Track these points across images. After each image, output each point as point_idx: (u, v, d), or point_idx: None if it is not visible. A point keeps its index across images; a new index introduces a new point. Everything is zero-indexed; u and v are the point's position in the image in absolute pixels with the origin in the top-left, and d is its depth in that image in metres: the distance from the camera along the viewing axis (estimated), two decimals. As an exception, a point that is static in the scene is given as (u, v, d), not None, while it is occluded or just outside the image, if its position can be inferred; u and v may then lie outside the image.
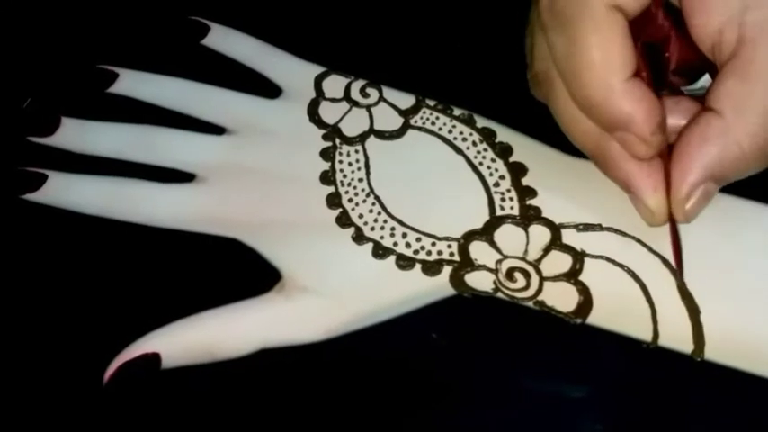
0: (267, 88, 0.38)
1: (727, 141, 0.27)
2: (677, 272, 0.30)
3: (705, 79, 0.31)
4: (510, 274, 0.31)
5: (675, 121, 0.29)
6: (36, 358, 0.30)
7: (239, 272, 0.32)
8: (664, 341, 0.29)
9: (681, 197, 0.28)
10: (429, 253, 0.32)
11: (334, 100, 0.37)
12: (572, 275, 0.30)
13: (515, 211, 0.33)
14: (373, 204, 0.33)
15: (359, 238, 0.32)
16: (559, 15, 0.27)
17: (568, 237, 0.32)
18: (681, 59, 0.30)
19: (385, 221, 0.33)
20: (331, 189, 0.34)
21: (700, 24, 0.28)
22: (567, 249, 0.31)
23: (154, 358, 0.29)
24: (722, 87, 0.27)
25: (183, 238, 0.33)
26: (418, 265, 0.31)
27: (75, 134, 0.36)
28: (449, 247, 0.32)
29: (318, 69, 0.38)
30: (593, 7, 0.26)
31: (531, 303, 0.30)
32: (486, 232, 0.32)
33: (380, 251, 0.32)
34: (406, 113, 0.36)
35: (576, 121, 0.29)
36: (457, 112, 0.36)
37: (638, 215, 0.31)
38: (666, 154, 0.28)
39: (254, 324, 0.30)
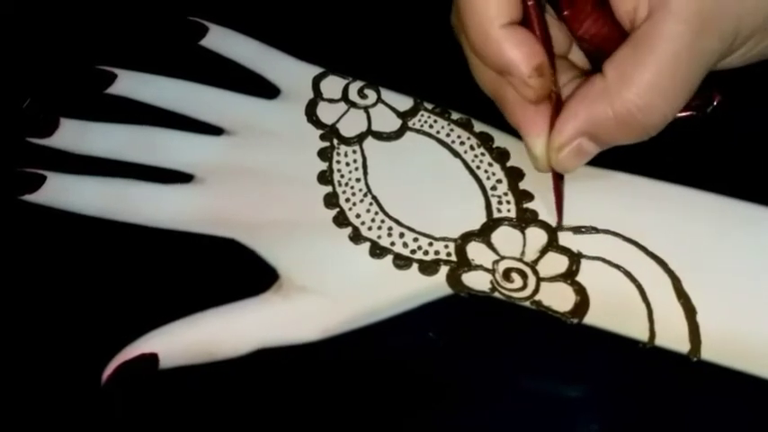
0: (265, 89, 0.38)
1: (603, 103, 0.28)
2: (557, 222, 0.32)
3: None
4: (507, 274, 0.31)
5: None
6: (35, 358, 0.30)
7: (237, 272, 0.32)
8: (660, 341, 0.29)
9: (554, 146, 0.30)
10: (426, 253, 0.32)
11: (332, 101, 0.37)
12: (569, 276, 0.31)
13: (512, 214, 0.33)
14: (371, 204, 0.33)
15: (356, 237, 0.32)
16: None
17: (565, 239, 0.32)
18: (594, 32, 0.31)
19: (382, 221, 0.33)
20: (328, 189, 0.34)
21: (618, 1, 0.29)
22: (564, 251, 0.31)
23: (152, 358, 0.29)
24: (616, 54, 0.29)
25: (181, 239, 0.33)
26: (415, 265, 0.31)
27: (74, 135, 0.36)
28: (446, 247, 0.32)
29: (316, 70, 0.38)
30: None
31: (527, 303, 0.30)
32: (483, 233, 0.32)
33: (378, 251, 0.32)
34: (404, 115, 0.36)
35: (479, 67, 0.32)
36: (455, 115, 0.36)
37: (634, 217, 0.31)
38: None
39: (252, 324, 0.30)
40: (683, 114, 0.32)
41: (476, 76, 0.33)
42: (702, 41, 0.28)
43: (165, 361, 0.29)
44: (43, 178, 0.34)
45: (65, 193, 0.34)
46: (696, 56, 0.28)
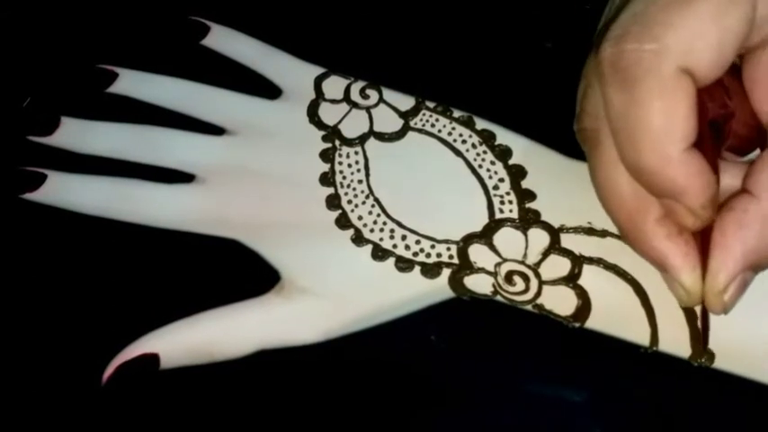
0: (267, 89, 0.38)
1: (766, 228, 0.25)
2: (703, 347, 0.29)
3: (755, 154, 0.28)
4: (509, 277, 0.31)
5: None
6: (36, 358, 0.30)
7: (239, 273, 0.32)
8: (662, 346, 0.29)
9: (719, 288, 0.26)
10: (428, 255, 0.32)
11: (333, 101, 0.37)
12: (571, 279, 0.31)
13: (515, 215, 0.33)
14: (373, 206, 0.33)
15: (358, 239, 0.32)
16: (623, 72, 0.25)
17: (567, 240, 0.32)
18: (737, 134, 0.28)
19: (384, 223, 0.33)
20: (330, 190, 0.34)
21: (761, 99, 0.26)
22: (566, 253, 0.31)
23: (153, 359, 0.29)
24: (763, 170, 0.25)
25: (183, 239, 0.33)
26: (417, 268, 0.31)
27: (75, 134, 0.36)
28: (448, 249, 0.32)
29: (318, 70, 0.38)
30: (662, 69, 0.24)
31: (529, 307, 0.30)
32: (485, 235, 0.32)
33: (380, 253, 0.32)
34: (406, 115, 0.36)
35: (615, 186, 0.27)
36: (457, 113, 0.36)
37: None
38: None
39: (254, 325, 0.30)
40: None
41: (606, 195, 0.28)
42: None
43: (166, 361, 0.29)
44: (44, 177, 0.34)
45: (65, 191, 0.34)
46: None
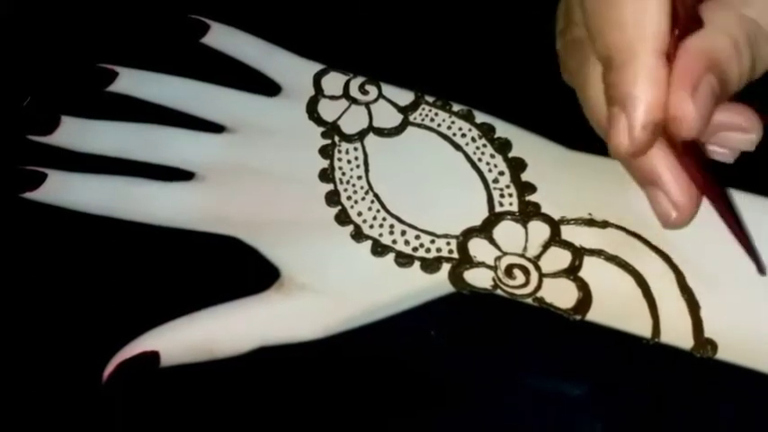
0: (266, 86, 0.38)
1: (715, 31, 0.26)
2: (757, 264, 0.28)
3: None
4: (509, 270, 0.31)
5: None
6: (36, 357, 0.30)
7: (238, 270, 0.32)
8: (664, 337, 0.29)
9: (686, 92, 0.25)
10: (428, 250, 0.32)
11: (333, 97, 0.37)
12: (571, 272, 0.30)
13: (514, 207, 0.32)
14: (372, 202, 0.33)
15: (358, 235, 0.32)
16: None
17: (568, 232, 0.31)
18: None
19: (384, 219, 0.33)
20: (330, 187, 0.34)
21: None
22: (567, 245, 0.31)
23: (153, 356, 0.29)
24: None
25: (183, 237, 0.33)
26: (417, 263, 0.31)
27: (75, 133, 0.36)
28: (447, 244, 0.32)
29: (317, 67, 0.38)
30: None
31: (530, 300, 0.30)
32: (485, 229, 0.32)
33: (379, 249, 0.32)
34: (406, 110, 0.36)
35: (603, 103, 0.27)
36: (456, 107, 0.36)
37: (637, 210, 0.31)
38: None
39: (254, 322, 0.30)
40: None
41: (595, 110, 0.28)
42: None
43: (166, 359, 0.29)
44: (44, 176, 0.35)
45: (65, 190, 0.34)
46: None
